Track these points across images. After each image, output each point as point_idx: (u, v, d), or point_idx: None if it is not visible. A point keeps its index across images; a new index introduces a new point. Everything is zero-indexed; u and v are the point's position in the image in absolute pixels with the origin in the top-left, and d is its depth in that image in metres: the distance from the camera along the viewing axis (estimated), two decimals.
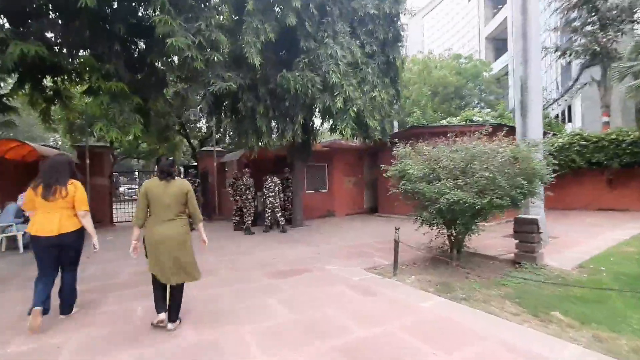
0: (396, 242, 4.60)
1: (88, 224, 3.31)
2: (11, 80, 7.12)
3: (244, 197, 8.93)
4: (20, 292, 4.28)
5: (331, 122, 7.94)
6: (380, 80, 7.81)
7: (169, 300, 3.08)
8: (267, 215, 9.28)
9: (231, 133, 16.92)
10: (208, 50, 6.10)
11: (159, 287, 3.07)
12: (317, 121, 9.67)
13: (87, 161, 10.54)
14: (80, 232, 3.27)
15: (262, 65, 6.57)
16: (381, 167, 5.31)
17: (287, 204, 10.33)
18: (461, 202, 4.08)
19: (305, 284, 4.41)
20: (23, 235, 6.93)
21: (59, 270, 3.32)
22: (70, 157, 3.55)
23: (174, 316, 3.06)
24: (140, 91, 7.05)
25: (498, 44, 38.58)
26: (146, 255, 3.08)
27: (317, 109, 7.22)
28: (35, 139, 23.67)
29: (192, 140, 17.47)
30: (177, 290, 3.08)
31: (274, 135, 8.22)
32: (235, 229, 9.55)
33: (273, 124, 8.18)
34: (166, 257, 2.94)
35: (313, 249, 6.62)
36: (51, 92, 7.80)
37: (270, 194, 9.13)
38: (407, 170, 4.66)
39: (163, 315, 3.00)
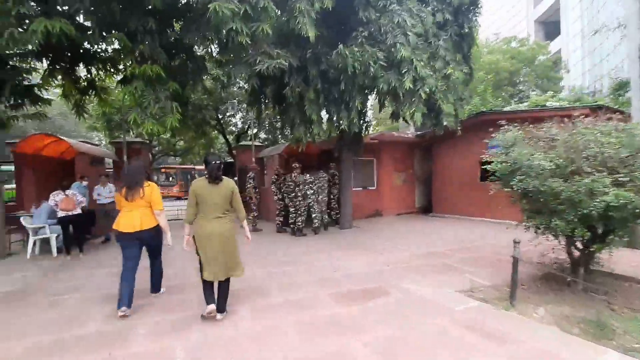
0: (515, 260, 3.36)
1: (163, 221, 3.67)
2: (41, 69, 6.55)
3: (293, 195, 7.97)
4: (41, 312, 3.53)
5: (394, 106, 6.70)
6: (453, 56, 6.47)
7: (217, 293, 3.24)
8: (314, 215, 8.34)
9: (268, 126, 16.16)
10: (254, 24, 5.12)
11: (207, 283, 3.21)
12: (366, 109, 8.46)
13: (125, 158, 10.07)
14: (158, 229, 3.65)
15: (316, 39, 5.48)
16: (484, 158, 4.03)
17: (332, 202, 9.29)
18: (629, 206, 2.77)
19: (391, 315, 3.29)
20: (57, 237, 6.39)
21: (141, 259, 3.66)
22: (143, 162, 3.90)
23: (221, 307, 3.23)
24: (177, 78, 6.25)
25: (549, 27, 35.17)
26: (197, 252, 3.21)
27: (380, 90, 6.00)
28: (78, 138, 24.36)
29: (227, 136, 16.88)
30: (224, 285, 3.25)
31: (324, 125, 7.14)
32: (279, 230, 8.64)
33: (323, 112, 7.11)
34: (214, 253, 3.09)
35: (378, 258, 5.50)
36: (85, 83, 7.26)
37: (309, 191, 8.16)
38: (527, 162, 3.40)
39: (212, 307, 3.15)
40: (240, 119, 17.25)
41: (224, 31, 5.07)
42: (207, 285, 3.18)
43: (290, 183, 8.01)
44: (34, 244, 6.39)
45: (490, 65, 19.10)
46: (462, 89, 6.69)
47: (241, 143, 12.17)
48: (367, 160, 10.85)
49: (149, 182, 3.62)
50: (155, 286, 3.94)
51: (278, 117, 8.98)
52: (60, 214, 6.01)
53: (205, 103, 11.34)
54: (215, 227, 3.08)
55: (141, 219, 3.47)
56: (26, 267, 5.60)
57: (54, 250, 6.34)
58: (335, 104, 6.71)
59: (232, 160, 15.40)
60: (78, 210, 6.17)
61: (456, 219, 10.07)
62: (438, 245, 6.42)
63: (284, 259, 5.68)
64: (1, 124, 5.62)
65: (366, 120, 8.22)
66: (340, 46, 5.75)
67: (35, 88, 6.51)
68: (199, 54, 7.27)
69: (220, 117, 15.23)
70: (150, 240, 3.63)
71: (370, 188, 11.04)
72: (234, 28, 4.81)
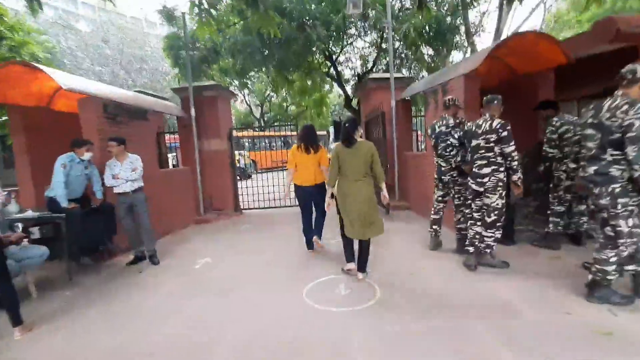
0: None
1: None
2: None
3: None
4: None
5: None
6: None
7: (357, 253, 3.31)
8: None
9: (405, 59, 10.54)
10: None
11: (348, 242, 3.41)
12: None
13: (192, 111, 6.32)
14: (324, 184, 3.91)
15: None
16: None
17: None
18: None
19: None
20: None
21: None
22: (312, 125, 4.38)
23: (362, 267, 3.30)
24: None
25: None
26: (338, 212, 3.38)
27: None
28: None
29: (344, 84, 12.10)
30: (365, 245, 3.24)
31: None
32: (459, 248, 3.58)
33: None
34: (355, 214, 3.11)
35: None
36: None
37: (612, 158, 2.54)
38: None
39: (352, 265, 3.37)
40: (361, 50, 12.15)
41: None
42: (347, 244, 3.40)
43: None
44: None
45: None
46: None
47: (372, 76, 7.02)
48: None
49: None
50: (318, 232, 4.18)
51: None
52: None
53: (308, 16, 6.62)
54: (355, 189, 3.12)
55: (314, 176, 3.94)
56: None
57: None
58: None
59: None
60: None
61: None
62: None
63: None
64: None
65: None
66: None
67: None
68: None
69: (333, 51, 10.44)
70: (319, 194, 3.94)
71: None
72: None
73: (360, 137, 3.26)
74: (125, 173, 3.91)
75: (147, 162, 4.98)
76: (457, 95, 4.33)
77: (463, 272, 3.30)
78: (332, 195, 3.36)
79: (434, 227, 3.98)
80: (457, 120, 3.77)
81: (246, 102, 26.88)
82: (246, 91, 26.03)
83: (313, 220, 4.17)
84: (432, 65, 12.00)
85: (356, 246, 3.36)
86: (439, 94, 4.95)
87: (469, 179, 3.31)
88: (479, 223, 3.27)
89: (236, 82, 12.79)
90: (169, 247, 4.83)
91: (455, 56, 14.58)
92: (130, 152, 4.14)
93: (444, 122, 3.82)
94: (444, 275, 3.27)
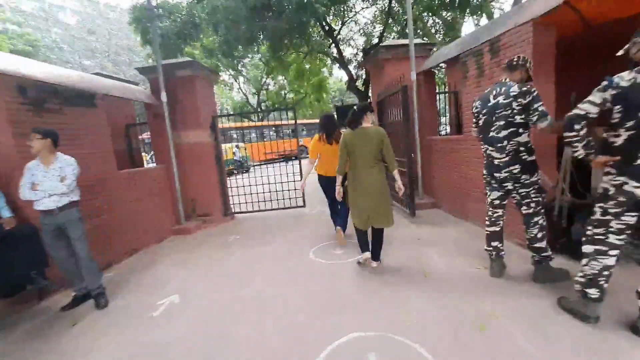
0: None
1: None
2: None
3: None
4: None
5: None
6: None
7: (371, 242, 3.16)
8: None
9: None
10: None
11: (360, 233, 3.19)
12: None
13: (163, 95, 5.08)
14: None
15: None
16: None
17: None
18: None
19: None
20: None
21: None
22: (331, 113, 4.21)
23: (376, 256, 3.15)
24: None
25: None
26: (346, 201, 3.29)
27: None
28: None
29: (346, 63, 10.72)
30: (378, 234, 3.11)
31: None
32: (541, 275, 2.43)
33: None
34: (365, 202, 2.98)
35: None
36: None
37: None
38: None
39: (367, 254, 3.17)
40: (364, 26, 10.75)
41: None
42: (360, 234, 3.21)
43: None
44: None
45: None
46: None
47: (385, 43, 5.65)
48: None
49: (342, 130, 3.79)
50: (342, 223, 3.91)
51: None
52: None
53: None
54: (366, 177, 2.97)
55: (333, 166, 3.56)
56: None
57: None
58: None
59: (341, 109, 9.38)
60: None
61: None
62: None
63: None
64: None
65: None
66: None
67: None
68: None
69: (333, 28, 9.06)
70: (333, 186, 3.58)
71: None
72: None
73: (372, 123, 3.04)
74: (48, 182, 2.68)
75: (98, 163, 3.81)
76: (521, 53, 3.04)
77: (564, 322, 2.08)
78: (343, 182, 3.21)
79: (493, 244, 2.75)
80: (525, 89, 2.47)
81: (242, 91, 25.47)
82: (241, 79, 24.55)
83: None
84: (446, 40, 10.64)
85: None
86: (485, 57, 3.65)
87: (618, 178, 1.93)
88: (613, 252, 2.00)
89: (230, 71, 11.45)
90: (130, 275, 3.64)
91: (468, 29, 13.13)
92: (67, 152, 2.92)
93: (503, 89, 2.53)
94: (534, 330, 2.05)
